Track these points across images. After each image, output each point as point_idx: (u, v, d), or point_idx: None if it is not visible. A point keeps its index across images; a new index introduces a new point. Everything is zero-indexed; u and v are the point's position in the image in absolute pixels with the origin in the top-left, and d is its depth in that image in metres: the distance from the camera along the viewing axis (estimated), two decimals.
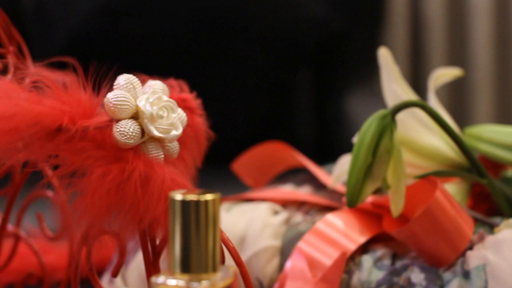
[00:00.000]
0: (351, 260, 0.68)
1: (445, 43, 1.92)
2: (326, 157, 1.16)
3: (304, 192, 0.79)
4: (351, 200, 0.67)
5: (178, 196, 0.45)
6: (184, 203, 0.45)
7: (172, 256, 0.46)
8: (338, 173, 0.77)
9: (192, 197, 0.45)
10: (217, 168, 1.08)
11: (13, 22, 1.32)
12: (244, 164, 0.84)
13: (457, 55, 1.93)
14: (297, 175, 0.84)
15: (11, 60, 0.66)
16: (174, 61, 1.58)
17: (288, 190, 0.79)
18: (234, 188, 0.87)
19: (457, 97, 1.93)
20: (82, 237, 0.60)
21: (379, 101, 1.70)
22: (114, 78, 0.60)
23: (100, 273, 0.79)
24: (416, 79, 1.93)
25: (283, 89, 1.68)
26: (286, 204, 0.77)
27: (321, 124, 1.71)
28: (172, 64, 1.57)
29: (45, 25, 1.57)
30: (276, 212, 0.75)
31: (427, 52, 1.93)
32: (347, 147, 1.77)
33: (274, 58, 1.64)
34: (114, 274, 0.63)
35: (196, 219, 0.45)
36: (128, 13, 1.59)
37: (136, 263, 0.74)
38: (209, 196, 0.45)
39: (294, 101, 1.71)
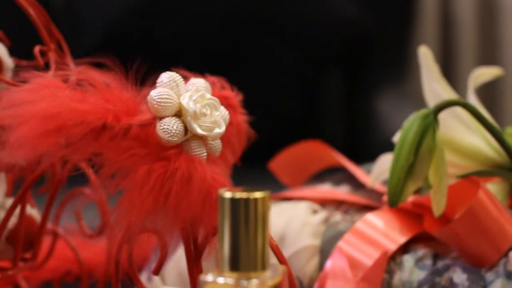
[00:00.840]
0: (392, 259, 0.68)
1: (475, 43, 1.91)
2: (356, 157, 1.16)
3: (342, 191, 0.78)
4: (392, 200, 0.67)
5: (227, 194, 0.45)
6: (233, 201, 0.45)
7: (221, 254, 0.45)
8: (377, 172, 0.76)
9: (241, 195, 0.45)
10: (246, 166, 1.08)
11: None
12: (281, 163, 0.84)
13: (488, 54, 1.92)
14: (334, 174, 0.84)
15: (52, 57, 0.67)
16: (205, 60, 1.58)
17: (326, 189, 0.79)
18: (269, 187, 0.87)
19: (489, 97, 1.92)
20: (123, 235, 0.60)
21: (409, 100, 1.70)
22: (151, 76, 0.60)
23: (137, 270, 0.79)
24: (447, 79, 1.91)
25: (314, 88, 1.68)
26: (324, 203, 0.77)
27: (351, 124, 1.71)
28: (203, 63, 1.57)
29: (76, 25, 1.58)
30: (315, 211, 0.75)
31: (457, 52, 1.92)
32: (377, 147, 1.76)
33: (304, 57, 1.64)
34: (156, 272, 0.62)
35: (246, 217, 0.45)
36: (159, 13, 1.59)
37: (175, 260, 0.74)
38: (258, 194, 0.45)
39: (324, 100, 1.70)
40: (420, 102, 1.90)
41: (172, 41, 1.61)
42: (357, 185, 0.80)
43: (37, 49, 0.66)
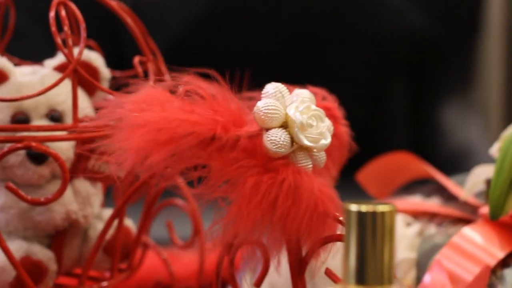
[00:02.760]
0: (492, 274, 0.67)
1: None
2: None
3: (433, 203, 0.77)
4: (494, 213, 0.66)
5: (353, 207, 0.44)
6: (360, 214, 0.44)
7: (346, 268, 0.45)
8: (471, 184, 0.75)
9: (368, 208, 0.44)
10: None
11: (110, 32, 1.33)
12: (369, 174, 0.83)
13: None
14: (422, 185, 0.82)
15: (151, 67, 0.66)
16: (270, 70, 1.57)
17: (417, 201, 0.78)
18: (355, 198, 0.86)
19: None
20: (227, 246, 0.60)
21: (475, 111, 1.68)
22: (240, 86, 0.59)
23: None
24: None
25: (379, 99, 1.67)
26: (416, 215, 0.76)
27: (416, 135, 1.69)
28: (268, 73, 1.57)
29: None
30: (408, 224, 0.74)
31: None
32: (443, 157, 1.73)
33: (370, 69, 1.63)
34: (258, 284, 0.62)
35: (373, 231, 0.44)
36: (223, 23, 1.59)
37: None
38: (386, 208, 0.44)
39: (389, 111, 1.69)
40: (485, 112, 1.88)
41: (237, 52, 1.60)
42: (448, 197, 0.79)
43: (136, 59, 0.66)
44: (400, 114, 1.70)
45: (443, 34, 1.66)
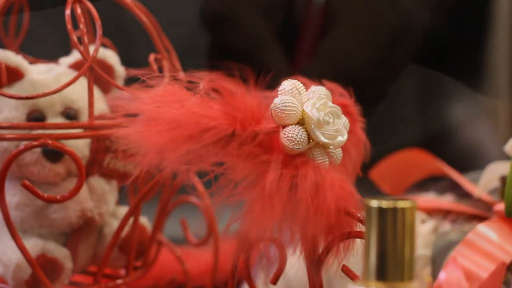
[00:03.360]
0: (508, 271, 0.67)
1: None
2: None
3: (447, 201, 0.77)
4: (510, 209, 0.65)
5: (374, 203, 0.44)
6: (381, 210, 0.44)
7: (366, 264, 0.45)
8: (485, 181, 0.75)
9: (388, 204, 0.44)
10: None
11: (117, 32, 1.32)
12: (382, 172, 0.83)
13: None
14: (436, 183, 0.82)
15: (166, 65, 0.66)
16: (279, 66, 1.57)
17: (431, 198, 0.78)
18: (369, 195, 0.86)
19: None
20: (244, 243, 0.60)
21: (485, 109, 1.67)
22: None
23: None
24: None
25: (388, 96, 1.66)
26: (430, 212, 0.75)
27: (425, 133, 1.69)
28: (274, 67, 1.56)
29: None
30: (422, 221, 0.74)
31: None
32: (452, 156, 1.73)
33: (379, 65, 1.63)
34: (274, 282, 0.62)
35: (394, 227, 0.44)
36: (230, 24, 1.59)
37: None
38: (406, 204, 0.44)
39: (397, 109, 1.69)
40: (495, 110, 1.87)
41: (243, 50, 1.60)
42: (462, 194, 0.79)
43: (152, 57, 0.66)
44: (408, 112, 1.69)
45: (453, 32, 1.66)
